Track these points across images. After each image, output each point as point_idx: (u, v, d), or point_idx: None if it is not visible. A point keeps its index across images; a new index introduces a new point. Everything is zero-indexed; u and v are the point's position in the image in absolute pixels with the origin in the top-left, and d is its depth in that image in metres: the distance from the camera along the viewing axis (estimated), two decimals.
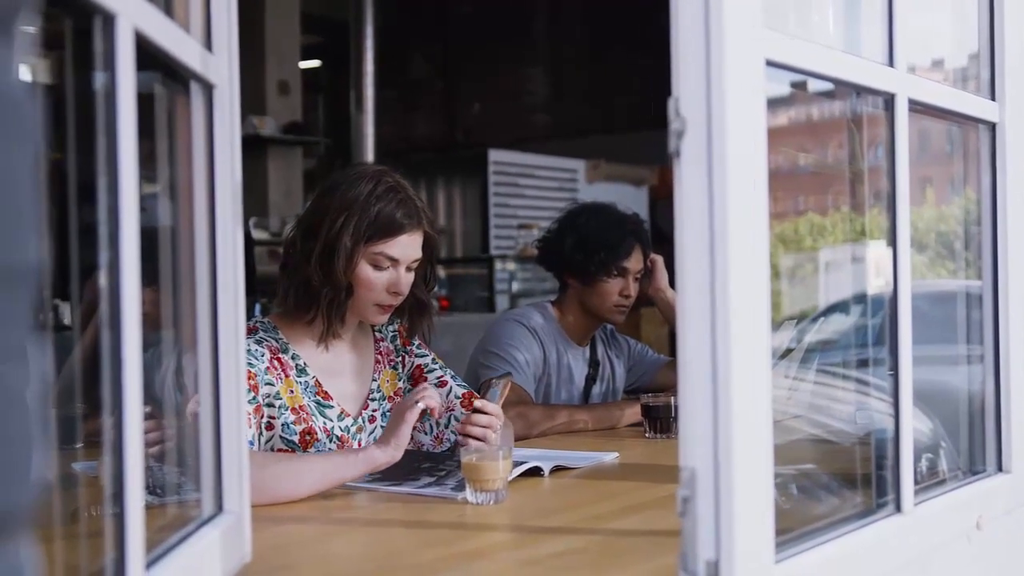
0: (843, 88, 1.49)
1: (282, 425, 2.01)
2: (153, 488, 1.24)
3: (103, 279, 0.94)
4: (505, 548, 1.57)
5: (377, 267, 2.05)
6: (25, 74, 0.54)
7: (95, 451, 1.18)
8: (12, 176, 0.49)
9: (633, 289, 2.86)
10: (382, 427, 2.15)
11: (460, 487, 1.81)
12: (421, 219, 2.07)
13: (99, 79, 0.96)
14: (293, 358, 2.08)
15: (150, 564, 1.03)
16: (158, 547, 1.10)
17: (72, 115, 1.02)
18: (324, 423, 2.06)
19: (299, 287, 2.06)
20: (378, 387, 2.19)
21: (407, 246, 2.06)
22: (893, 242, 1.44)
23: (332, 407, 2.09)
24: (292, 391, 2.04)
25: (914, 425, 1.46)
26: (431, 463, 2.03)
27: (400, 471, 1.98)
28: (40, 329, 0.52)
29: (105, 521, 1.00)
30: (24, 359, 0.52)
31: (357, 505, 1.85)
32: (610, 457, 2.23)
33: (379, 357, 2.23)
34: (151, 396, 1.07)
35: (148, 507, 1.00)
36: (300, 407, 2.04)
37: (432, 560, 1.46)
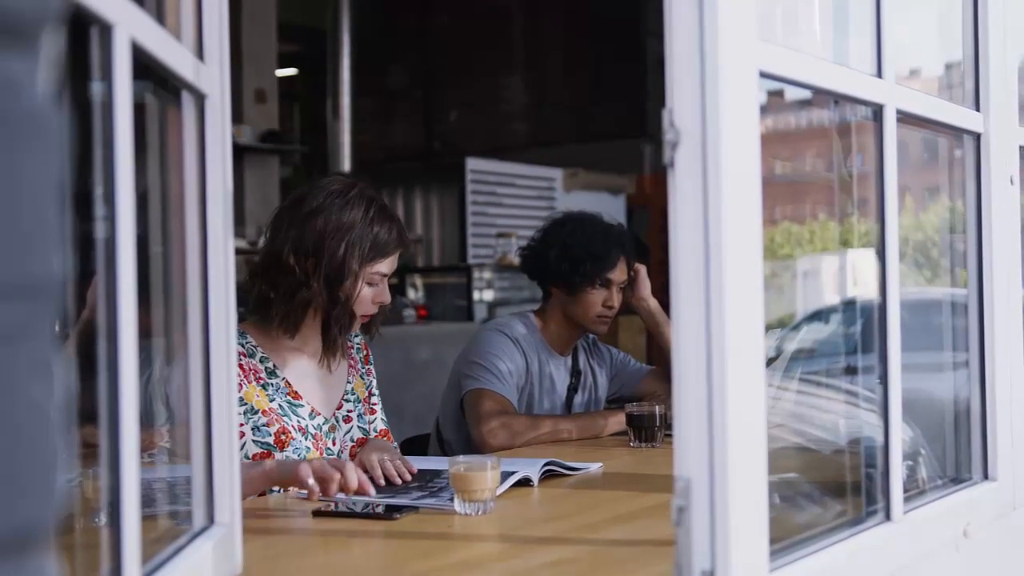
0: (824, 97, 1.50)
1: (253, 428, 2.07)
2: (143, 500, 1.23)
3: (100, 290, 0.93)
4: (497, 559, 1.57)
5: (371, 284, 2.16)
6: (48, 87, 0.54)
7: (86, 463, 1.17)
8: (41, 190, 0.49)
9: (617, 300, 2.86)
10: (358, 427, 2.25)
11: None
12: (406, 236, 2.23)
13: (94, 88, 0.95)
14: (262, 361, 2.14)
15: None
16: (151, 560, 1.09)
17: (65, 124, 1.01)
18: (297, 421, 2.13)
19: (298, 306, 2.11)
20: (352, 389, 2.28)
21: (395, 261, 2.20)
22: (882, 251, 1.44)
23: (303, 406, 2.15)
24: (259, 395, 2.10)
25: None
26: (420, 480, 2.02)
27: (392, 487, 1.97)
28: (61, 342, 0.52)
29: (93, 533, 0.99)
30: (49, 373, 0.51)
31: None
32: (595, 467, 2.23)
33: (352, 362, 2.31)
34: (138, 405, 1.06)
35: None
36: (270, 409, 2.10)
37: (424, 571, 1.45)
